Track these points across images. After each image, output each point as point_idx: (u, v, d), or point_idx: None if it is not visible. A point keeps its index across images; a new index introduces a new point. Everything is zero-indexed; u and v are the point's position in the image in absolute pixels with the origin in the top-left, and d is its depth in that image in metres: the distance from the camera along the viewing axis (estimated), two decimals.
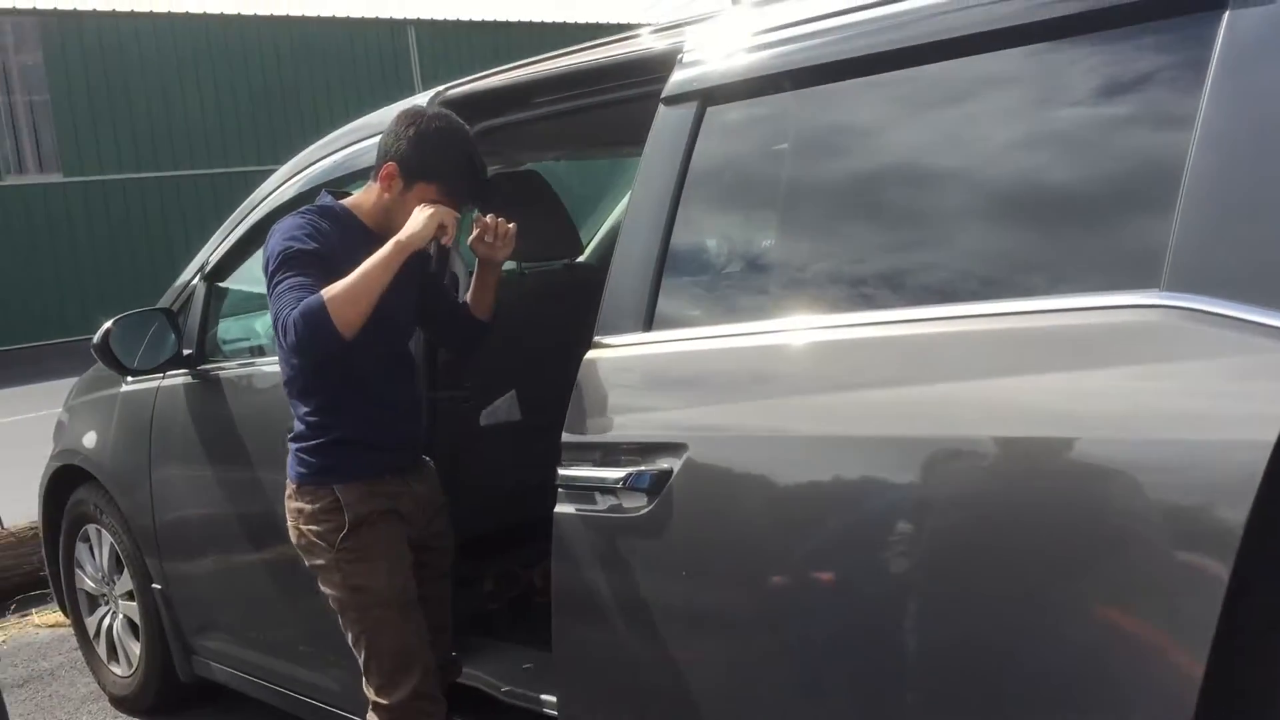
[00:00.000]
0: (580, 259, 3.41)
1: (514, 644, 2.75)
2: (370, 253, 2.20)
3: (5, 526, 5.17)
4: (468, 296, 2.52)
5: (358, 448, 2.35)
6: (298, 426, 2.38)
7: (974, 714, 1.54)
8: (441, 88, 2.67)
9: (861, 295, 1.77)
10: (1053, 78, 1.63)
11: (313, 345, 2.14)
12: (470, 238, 2.40)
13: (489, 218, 2.38)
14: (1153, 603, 1.35)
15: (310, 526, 2.34)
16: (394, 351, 2.42)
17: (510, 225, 2.38)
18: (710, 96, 1.97)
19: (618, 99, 2.33)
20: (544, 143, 3.33)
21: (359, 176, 2.93)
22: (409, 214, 2.25)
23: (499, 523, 3.09)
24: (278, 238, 2.28)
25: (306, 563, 2.38)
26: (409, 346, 2.50)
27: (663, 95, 2.04)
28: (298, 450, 2.37)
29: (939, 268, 1.70)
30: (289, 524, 2.39)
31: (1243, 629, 1.30)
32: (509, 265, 3.41)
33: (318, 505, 2.33)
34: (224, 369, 3.17)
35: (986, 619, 1.51)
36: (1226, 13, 1.42)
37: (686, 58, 2.03)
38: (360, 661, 2.36)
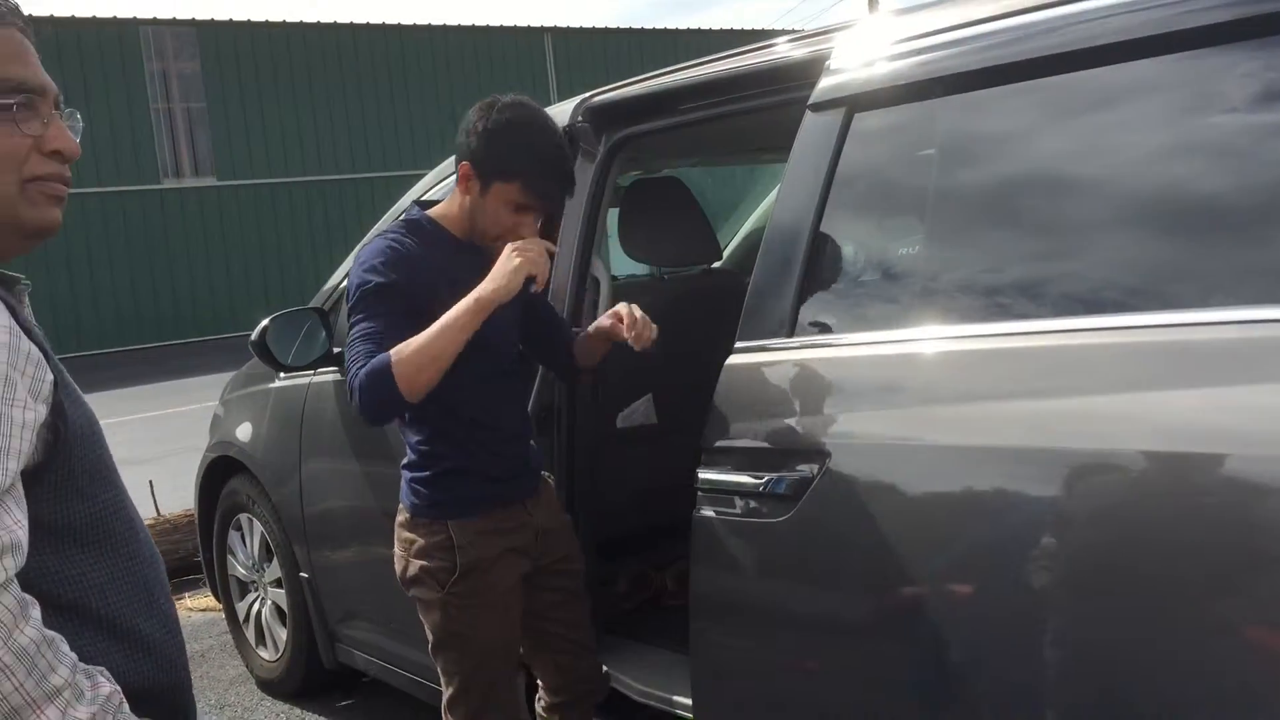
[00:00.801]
0: (718, 264, 3.42)
1: (648, 645, 2.77)
2: (461, 265, 2.10)
3: (162, 514, 5.43)
4: (586, 333, 2.35)
5: (471, 479, 2.22)
6: (409, 454, 2.26)
7: None
8: (585, 95, 2.71)
9: (1006, 305, 1.73)
10: (1205, 84, 1.58)
11: (377, 413, 2.04)
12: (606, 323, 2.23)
13: (629, 310, 2.17)
14: None
15: (421, 561, 2.22)
16: (500, 371, 2.25)
17: (653, 329, 2.16)
18: (857, 103, 1.97)
19: (760, 105, 2.34)
20: (685, 149, 3.36)
21: None
22: (493, 218, 2.13)
23: (633, 525, 3.12)
24: (357, 268, 2.13)
25: (408, 592, 2.28)
26: (516, 366, 2.34)
27: (810, 101, 2.04)
28: (410, 480, 2.25)
29: (1085, 278, 1.67)
30: (397, 552, 2.29)
31: None
32: (647, 270, 3.45)
33: (431, 541, 2.21)
34: None
35: (1127, 635, 1.47)
36: None
37: (834, 64, 2.03)
38: (445, 693, 2.30)
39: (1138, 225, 1.63)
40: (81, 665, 1.13)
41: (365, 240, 2.24)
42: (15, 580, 1.08)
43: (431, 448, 2.22)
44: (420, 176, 3.36)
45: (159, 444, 8.69)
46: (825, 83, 2.02)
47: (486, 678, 2.26)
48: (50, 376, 1.18)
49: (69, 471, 1.21)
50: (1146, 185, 1.63)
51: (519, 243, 2.06)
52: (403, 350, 1.97)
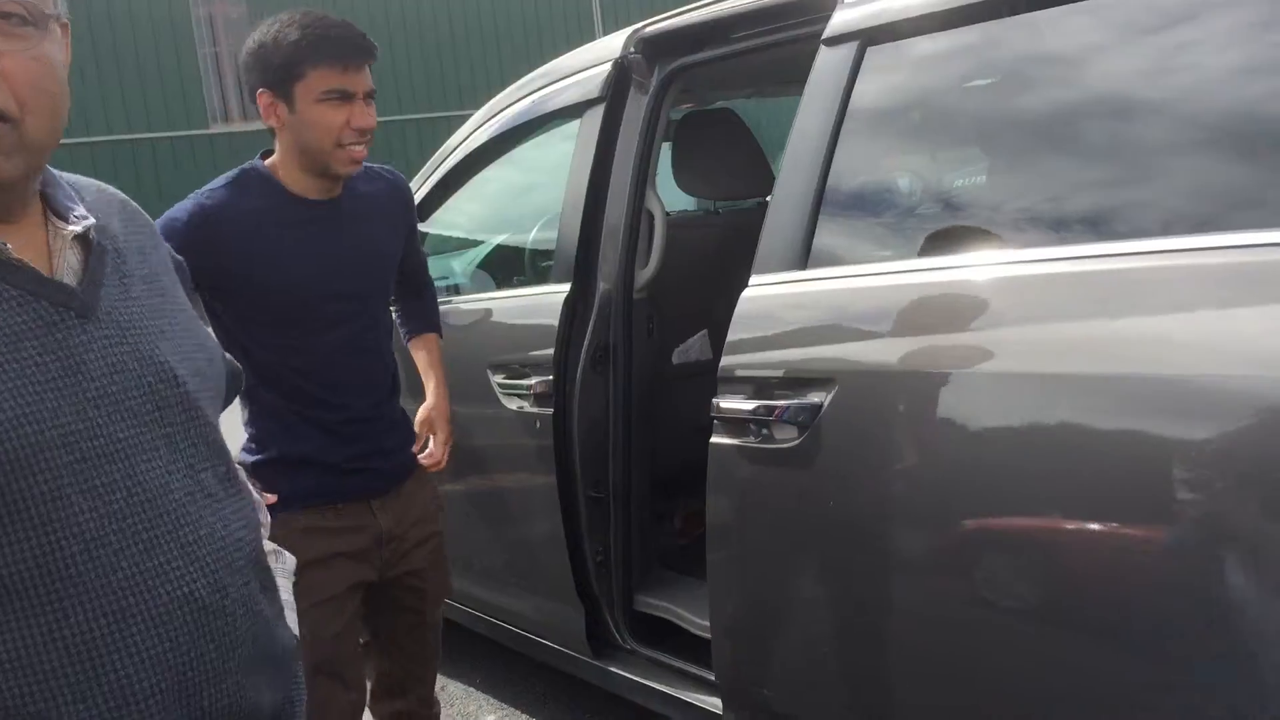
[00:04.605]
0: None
1: (703, 580, 2.78)
2: (288, 220, 1.97)
3: None
4: (422, 361, 2.37)
5: (302, 468, 1.99)
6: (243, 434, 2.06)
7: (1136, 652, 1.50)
8: (638, 25, 2.66)
9: (1009, 235, 1.75)
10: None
11: None
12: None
13: (440, 442, 2.23)
14: None
15: None
16: (358, 345, 2.05)
17: (444, 460, 2.23)
18: (871, 37, 1.97)
19: (813, 33, 2.28)
20: (739, 80, 3.30)
21: (549, 119, 2.97)
22: (319, 125, 1.94)
23: (689, 461, 3.11)
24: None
25: None
26: (378, 338, 2.12)
27: (824, 36, 2.05)
28: (247, 465, 1.99)
29: (1089, 206, 1.68)
30: None
31: None
32: (703, 204, 3.41)
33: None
34: None
35: (1132, 560, 1.47)
36: None
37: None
38: None
39: (1136, 150, 1.64)
40: None
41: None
42: None
43: (256, 429, 2.04)
44: (466, 117, 3.33)
45: None
46: (839, 17, 2.03)
47: (322, 692, 1.95)
48: None
49: None
50: (1144, 108, 1.63)
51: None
52: None
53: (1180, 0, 1.62)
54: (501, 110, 3.13)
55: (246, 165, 2.05)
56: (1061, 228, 1.69)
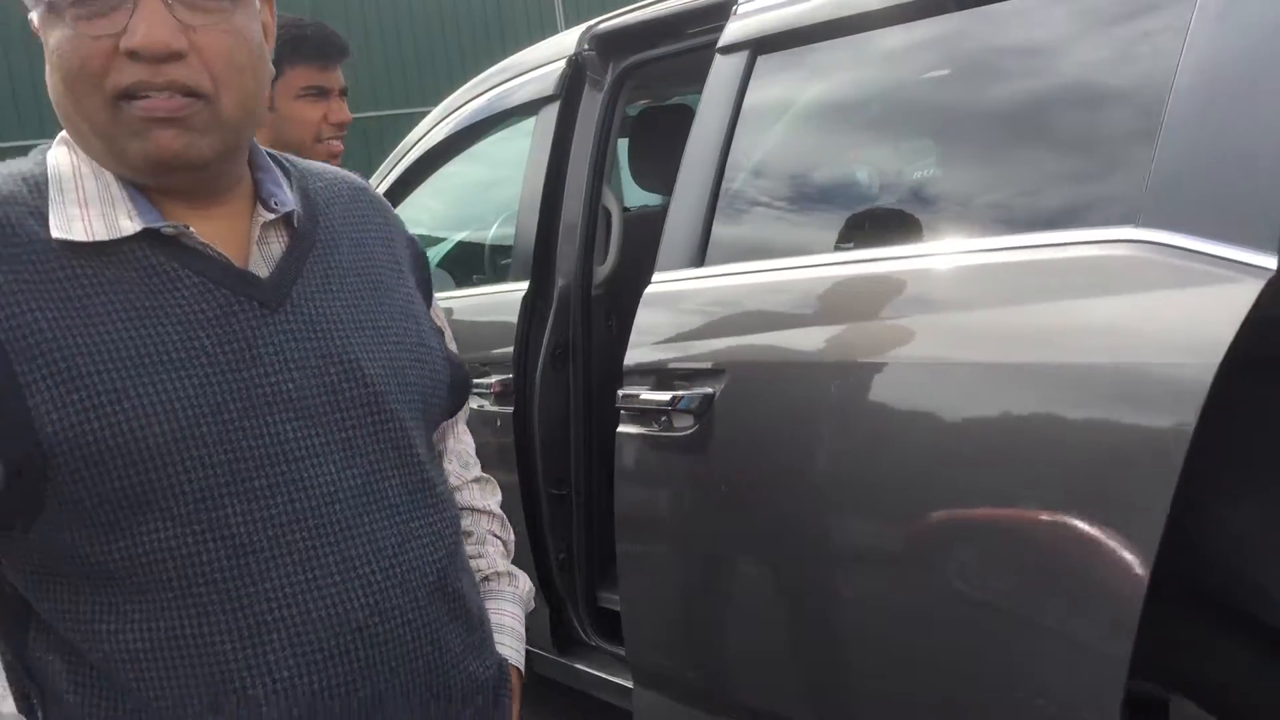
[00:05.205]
0: None
1: None
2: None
3: None
4: None
5: None
6: None
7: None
8: (592, 22, 2.66)
9: (887, 229, 1.89)
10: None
11: None
12: None
13: None
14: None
15: None
16: None
17: None
18: (761, 45, 2.09)
19: None
20: (694, 76, 3.28)
21: (507, 116, 2.96)
22: (298, 120, 2.08)
23: None
24: None
25: None
26: None
27: (718, 45, 2.16)
28: None
29: (955, 203, 1.82)
30: None
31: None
32: (656, 200, 3.42)
33: None
34: None
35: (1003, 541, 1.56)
36: None
37: (741, 9, 2.15)
38: None
39: (992, 151, 1.78)
40: None
41: None
42: None
43: None
44: (424, 115, 3.32)
45: None
46: (732, 26, 2.15)
47: None
48: None
49: (69, 500, 0.90)
50: (999, 113, 1.77)
51: None
52: None
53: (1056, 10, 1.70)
54: (460, 107, 3.12)
55: None
56: (929, 225, 1.81)
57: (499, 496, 1.36)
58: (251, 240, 1.00)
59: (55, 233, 0.92)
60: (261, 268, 0.99)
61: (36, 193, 0.95)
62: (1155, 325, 1.38)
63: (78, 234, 0.92)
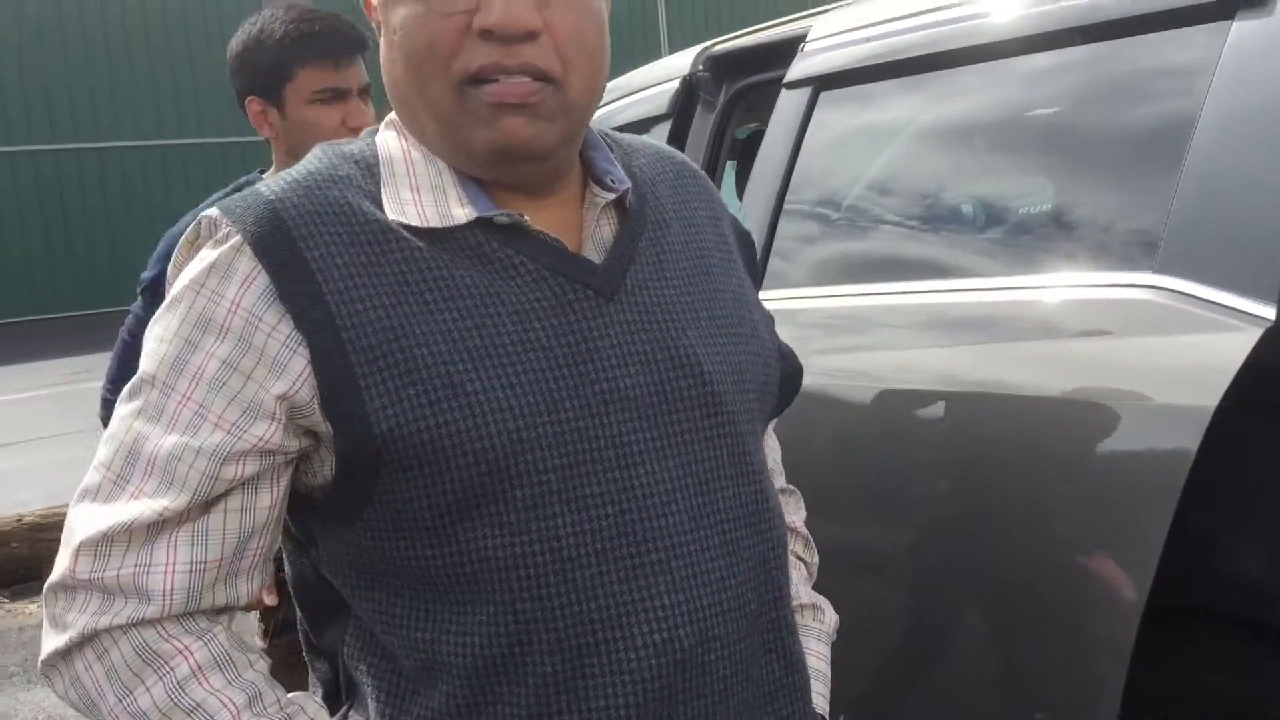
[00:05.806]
0: None
1: None
2: None
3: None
4: None
5: None
6: None
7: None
8: (706, 44, 2.69)
9: (907, 268, 2.03)
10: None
11: None
12: None
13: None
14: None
15: None
16: None
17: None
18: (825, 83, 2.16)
19: None
20: None
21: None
22: (313, 125, 1.85)
23: None
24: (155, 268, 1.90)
25: None
26: None
27: (784, 80, 2.21)
28: None
29: (978, 242, 1.95)
30: None
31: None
32: None
33: None
34: None
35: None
36: (1233, 23, 1.48)
37: (807, 48, 2.21)
38: None
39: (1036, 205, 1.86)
40: None
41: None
42: (152, 628, 0.83)
43: None
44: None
45: None
46: (798, 64, 2.21)
47: None
48: (287, 385, 0.84)
49: (399, 500, 0.85)
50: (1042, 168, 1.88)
51: None
52: None
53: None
54: None
55: (242, 180, 1.94)
56: (966, 260, 1.93)
57: (804, 512, 1.21)
58: (586, 225, 0.94)
59: (391, 215, 0.88)
60: (594, 254, 0.93)
61: (368, 175, 0.91)
62: (1165, 364, 1.49)
63: (411, 218, 0.88)
